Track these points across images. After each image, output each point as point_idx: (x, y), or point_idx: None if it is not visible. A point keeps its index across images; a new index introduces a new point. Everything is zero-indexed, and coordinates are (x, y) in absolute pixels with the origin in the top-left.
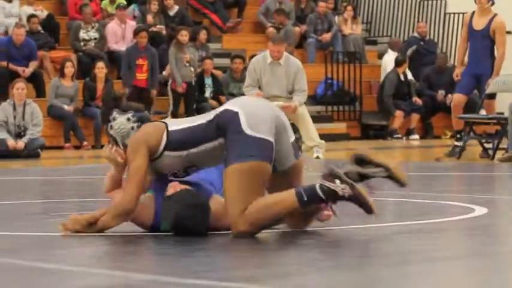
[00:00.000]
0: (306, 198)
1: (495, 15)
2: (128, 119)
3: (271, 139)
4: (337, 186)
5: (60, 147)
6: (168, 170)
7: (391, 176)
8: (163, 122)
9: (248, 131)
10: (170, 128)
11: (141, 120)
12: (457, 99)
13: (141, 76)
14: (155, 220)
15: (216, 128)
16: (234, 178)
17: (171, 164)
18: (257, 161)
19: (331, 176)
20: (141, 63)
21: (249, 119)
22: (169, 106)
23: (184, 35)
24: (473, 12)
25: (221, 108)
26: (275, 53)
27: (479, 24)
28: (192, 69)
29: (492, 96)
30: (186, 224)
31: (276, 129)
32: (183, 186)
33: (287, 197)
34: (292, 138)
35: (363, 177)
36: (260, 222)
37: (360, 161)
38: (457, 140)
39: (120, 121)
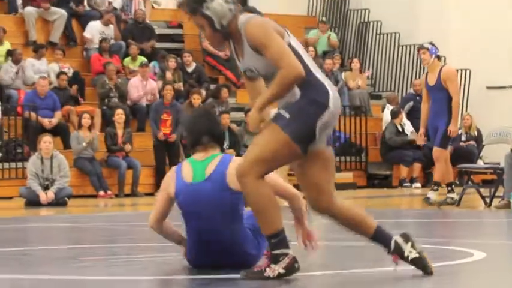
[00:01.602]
0: (378, 235)
1: (443, 66)
2: (226, 1)
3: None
4: (407, 248)
5: (87, 196)
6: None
7: (421, 261)
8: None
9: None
10: (292, 43)
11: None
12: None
13: (165, 130)
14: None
15: (308, 92)
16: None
17: None
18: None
19: (407, 238)
20: (166, 118)
21: (327, 119)
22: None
23: (196, 98)
24: (427, 73)
25: (326, 86)
26: None
27: (432, 80)
28: None
29: (444, 145)
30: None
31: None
32: None
33: (370, 219)
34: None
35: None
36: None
37: (406, 237)
38: (449, 192)
39: (218, 1)
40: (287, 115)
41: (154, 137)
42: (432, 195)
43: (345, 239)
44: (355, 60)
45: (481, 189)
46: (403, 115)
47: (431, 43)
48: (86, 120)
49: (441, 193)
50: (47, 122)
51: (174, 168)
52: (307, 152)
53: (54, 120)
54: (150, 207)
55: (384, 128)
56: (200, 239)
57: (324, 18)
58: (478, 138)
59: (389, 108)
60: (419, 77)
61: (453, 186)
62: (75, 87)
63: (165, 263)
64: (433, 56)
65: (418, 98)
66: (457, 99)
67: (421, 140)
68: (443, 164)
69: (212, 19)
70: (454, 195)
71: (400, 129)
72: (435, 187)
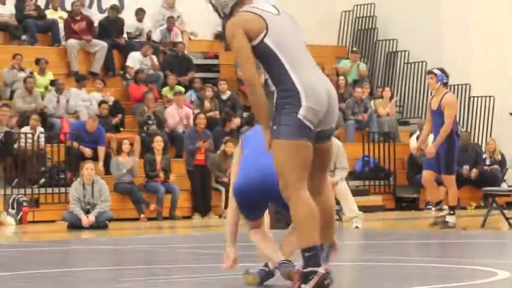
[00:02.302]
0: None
1: (446, 93)
2: None
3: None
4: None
5: (127, 219)
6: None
7: None
8: (266, 23)
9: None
10: (267, 41)
11: None
12: (424, 175)
13: (200, 157)
14: None
15: (280, 95)
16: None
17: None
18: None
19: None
20: (201, 146)
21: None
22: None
23: (230, 147)
24: (433, 96)
25: (297, 87)
26: None
27: (434, 104)
28: None
29: (449, 171)
30: None
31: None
32: None
33: (333, 236)
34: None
35: None
36: None
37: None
38: (437, 210)
39: None
40: (274, 126)
41: (188, 163)
42: (450, 219)
43: (373, 260)
44: (387, 89)
45: (505, 211)
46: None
47: (441, 69)
48: (126, 146)
49: (458, 216)
50: (87, 151)
51: None
52: (314, 137)
53: (101, 160)
54: (187, 229)
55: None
56: (255, 154)
57: (355, 48)
58: (502, 162)
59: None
60: None
61: (442, 204)
62: (118, 116)
63: (203, 283)
64: (439, 82)
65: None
66: (447, 125)
67: (417, 151)
68: (454, 188)
69: (216, 8)
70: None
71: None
72: (451, 211)
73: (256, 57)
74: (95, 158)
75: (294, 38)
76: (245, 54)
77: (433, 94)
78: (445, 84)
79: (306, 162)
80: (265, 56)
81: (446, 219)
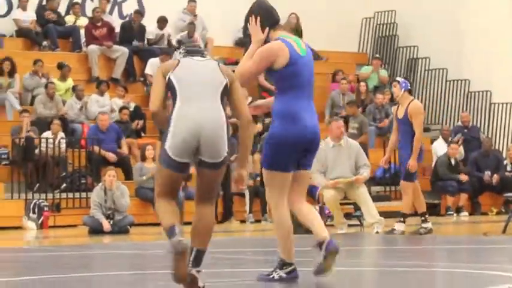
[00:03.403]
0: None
1: (411, 101)
2: (180, 53)
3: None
4: None
5: (148, 224)
6: None
7: None
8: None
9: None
10: (171, 76)
11: (188, 52)
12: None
13: None
14: None
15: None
16: None
17: None
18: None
19: None
20: None
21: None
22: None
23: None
24: (398, 105)
25: (174, 112)
26: (339, 129)
27: (400, 113)
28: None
29: (409, 178)
30: None
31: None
32: None
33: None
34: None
35: None
36: None
37: None
38: (423, 221)
39: (175, 54)
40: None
41: None
42: (398, 226)
43: (395, 265)
44: None
45: None
46: (460, 149)
47: (405, 77)
48: (149, 152)
49: (409, 224)
50: (111, 155)
51: (279, 41)
52: (185, 171)
53: (124, 148)
54: None
55: (435, 160)
56: (300, 100)
57: (377, 55)
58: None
59: (439, 140)
60: (467, 110)
61: (426, 216)
62: (139, 122)
63: None
64: (403, 89)
65: (465, 130)
66: (418, 135)
67: (385, 164)
68: (410, 196)
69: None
70: (429, 225)
71: (452, 161)
72: (401, 218)
73: (168, 89)
74: (115, 164)
75: (199, 79)
76: (155, 90)
77: (398, 103)
78: (410, 92)
79: (167, 184)
80: (170, 89)
81: (394, 227)
